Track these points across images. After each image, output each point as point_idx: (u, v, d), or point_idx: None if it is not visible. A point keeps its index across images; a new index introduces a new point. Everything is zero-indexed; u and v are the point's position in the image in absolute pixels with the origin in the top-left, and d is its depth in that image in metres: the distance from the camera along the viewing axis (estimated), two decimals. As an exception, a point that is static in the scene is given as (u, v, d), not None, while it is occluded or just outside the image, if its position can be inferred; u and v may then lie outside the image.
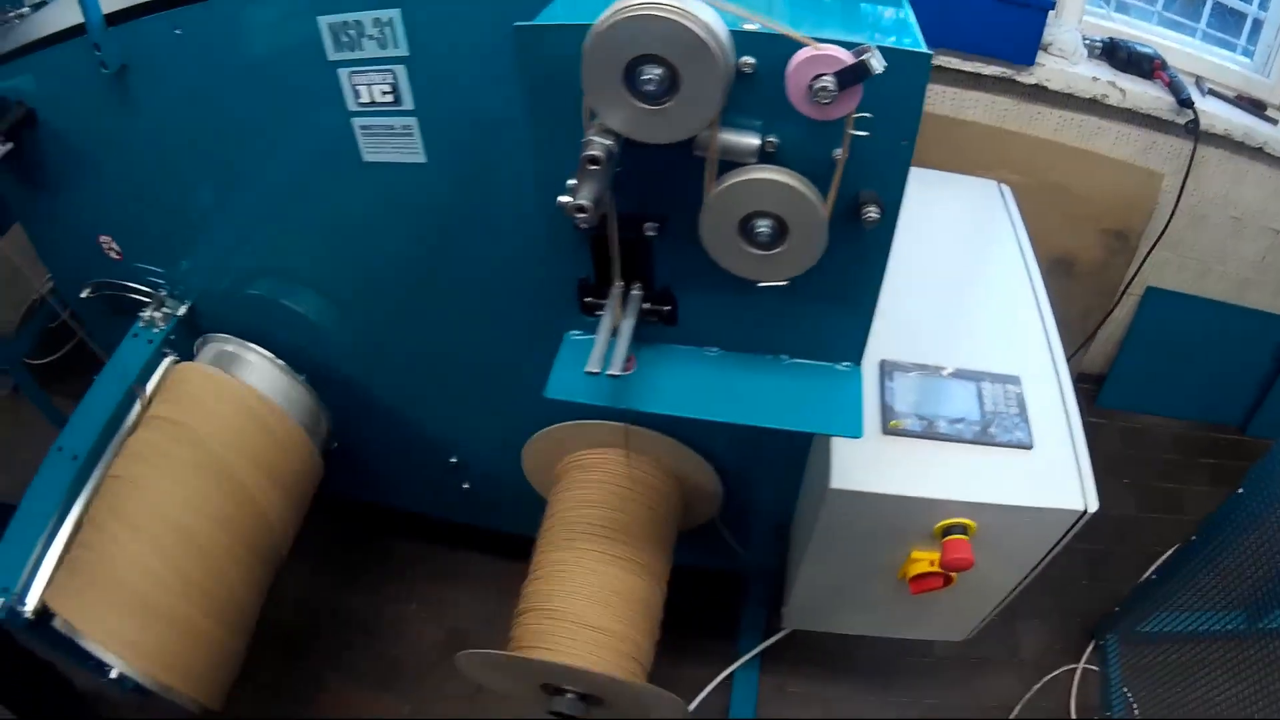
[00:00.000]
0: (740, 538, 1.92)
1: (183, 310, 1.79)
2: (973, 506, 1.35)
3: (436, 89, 1.25)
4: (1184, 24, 2.44)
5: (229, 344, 1.80)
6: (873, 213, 0.90)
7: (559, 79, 0.87)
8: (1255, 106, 2.30)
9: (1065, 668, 2.23)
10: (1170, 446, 2.86)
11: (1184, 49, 2.39)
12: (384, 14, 1.18)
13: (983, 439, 1.40)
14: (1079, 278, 2.60)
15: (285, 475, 1.74)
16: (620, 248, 1.02)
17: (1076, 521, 1.35)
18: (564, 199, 0.83)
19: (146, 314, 1.77)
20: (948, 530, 1.39)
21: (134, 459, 1.60)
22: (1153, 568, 2.07)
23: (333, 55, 1.25)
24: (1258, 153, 2.32)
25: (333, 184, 1.45)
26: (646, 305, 1.10)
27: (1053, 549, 1.42)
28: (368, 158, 1.36)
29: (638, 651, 1.56)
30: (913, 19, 0.92)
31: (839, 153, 0.87)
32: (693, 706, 2.09)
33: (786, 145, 0.89)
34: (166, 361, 1.74)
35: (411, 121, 1.29)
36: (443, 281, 1.57)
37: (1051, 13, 2.21)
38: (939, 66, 2.24)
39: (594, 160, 0.81)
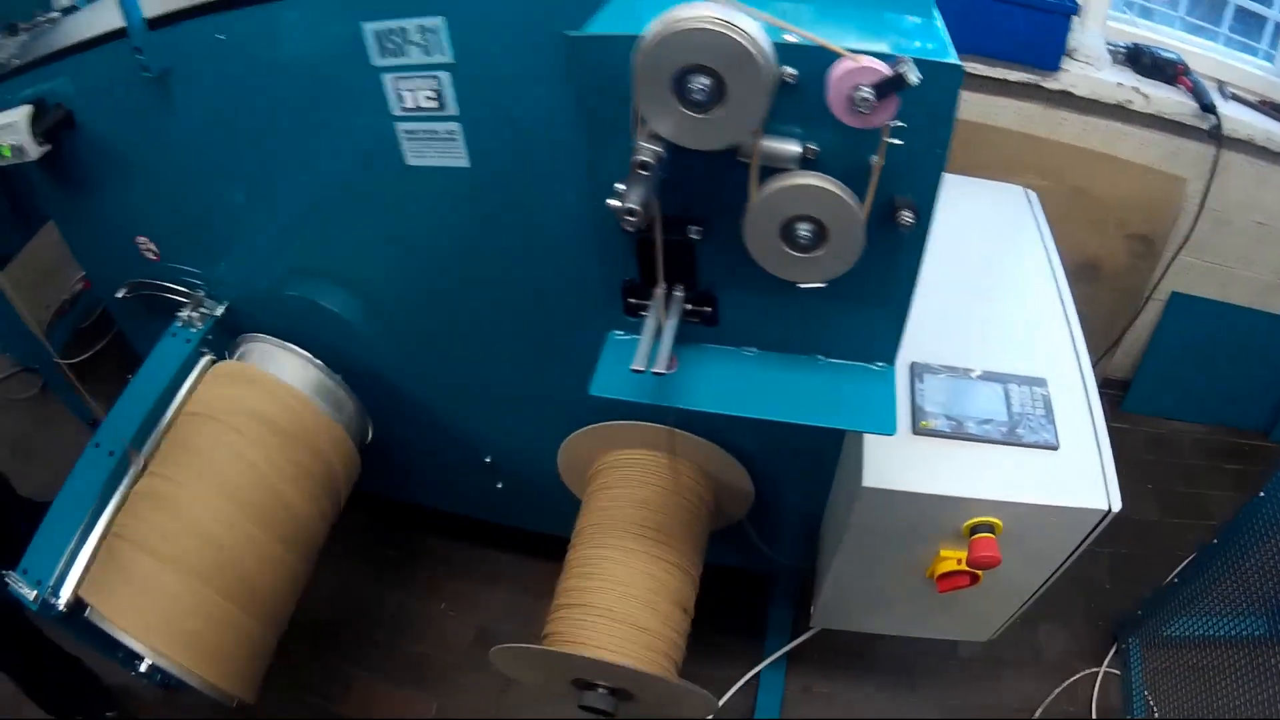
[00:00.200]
0: (769, 538, 1.94)
1: (220, 310, 1.82)
2: (1000, 505, 1.37)
3: (480, 94, 1.27)
4: (1207, 28, 2.45)
5: (266, 343, 1.82)
6: (908, 217, 0.93)
7: (609, 87, 0.91)
8: (1278, 111, 2.31)
9: (1087, 671, 2.24)
10: (1194, 451, 2.86)
11: (1207, 54, 2.40)
12: (429, 21, 1.21)
13: (1010, 439, 1.42)
14: (1104, 282, 2.61)
15: (322, 472, 1.77)
16: (665, 250, 1.05)
17: (1100, 521, 1.37)
18: (613, 202, 0.86)
19: (184, 314, 1.80)
20: (975, 529, 1.41)
21: (170, 455, 1.63)
22: (1175, 572, 2.08)
23: (377, 61, 1.27)
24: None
25: (375, 187, 1.48)
26: (688, 306, 1.13)
27: (1077, 548, 1.44)
28: (411, 161, 1.38)
29: (670, 648, 1.59)
30: (945, 31, 0.94)
31: (876, 159, 0.90)
32: (719, 705, 2.12)
33: (826, 152, 0.92)
34: (204, 360, 1.77)
35: (455, 126, 1.31)
36: (482, 284, 1.59)
37: (1076, 19, 2.23)
38: (966, 73, 2.25)
39: (644, 166, 0.84)
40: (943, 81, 0.85)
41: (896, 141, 0.88)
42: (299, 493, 1.71)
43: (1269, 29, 2.37)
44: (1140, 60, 2.31)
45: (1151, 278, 2.61)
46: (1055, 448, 1.42)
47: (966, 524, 1.41)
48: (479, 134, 1.32)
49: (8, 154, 1.55)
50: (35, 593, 1.45)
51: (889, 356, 1.17)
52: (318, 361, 1.83)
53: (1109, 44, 2.33)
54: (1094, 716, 2.17)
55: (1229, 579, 1.87)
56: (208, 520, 1.57)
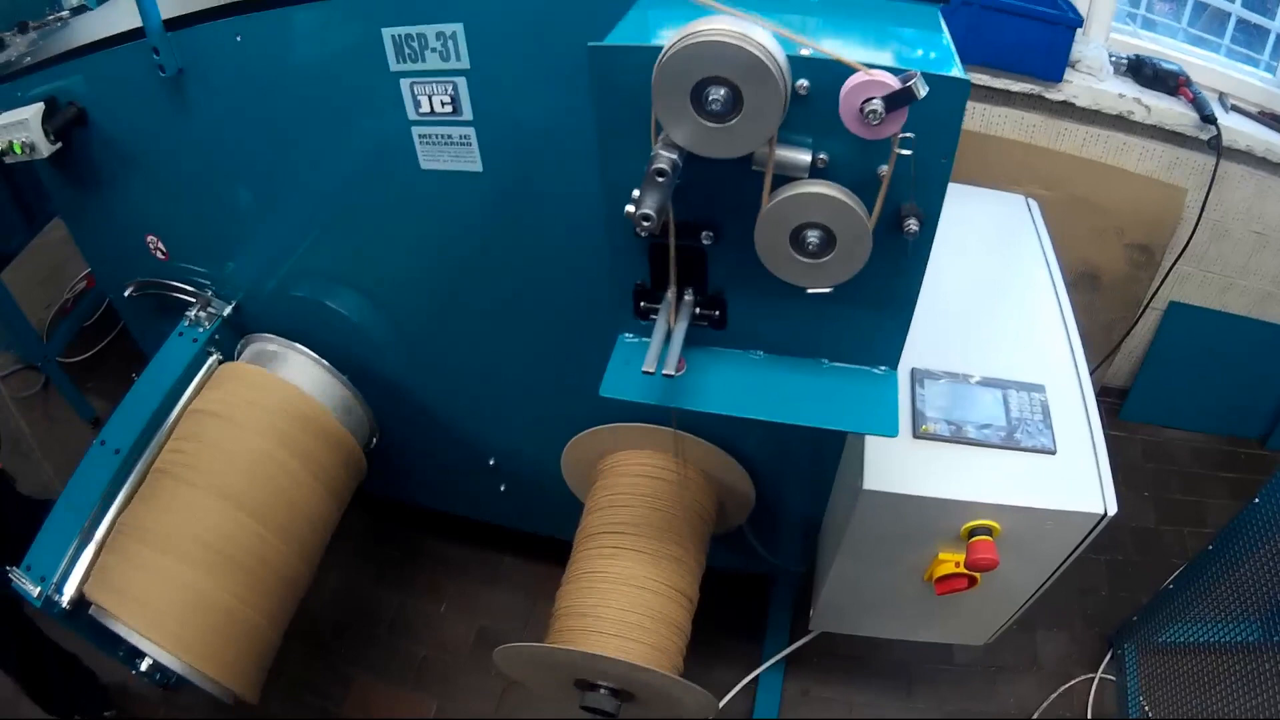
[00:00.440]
0: (769, 542, 1.96)
1: (228, 310, 1.84)
2: (998, 509, 1.40)
3: (495, 100, 1.30)
4: (1209, 40, 2.47)
5: (273, 343, 1.84)
6: (913, 224, 0.96)
7: (627, 96, 0.93)
8: (1277, 122, 2.33)
9: (1083, 676, 2.26)
10: (1191, 460, 2.88)
11: (1208, 65, 2.43)
12: (447, 28, 1.23)
13: (1008, 444, 1.45)
14: (1104, 291, 2.64)
15: (327, 471, 1.78)
16: (676, 255, 1.08)
17: (1097, 525, 1.40)
18: (630, 208, 0.89)
19: (192, 313, 1.81)
20: (973, 532, 1.43)
21: (177, 453, 1.64)
22: (1171, 578, 2.10)
23: (395, 66, 1.30)
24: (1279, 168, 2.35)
25: (388, 190, 1.50)
26: (697, 310, 1.15)
27: (1073, 552, 1.47)
28: (425, 165, 1.41)
29: (671, 649, 1.61)
30: (951, 45, 0.97)
31: (884, 169, 0.93)
32: (719, 707, 2.13)
33: (836, 161, 0.95)
34: (211, 360, 1.79)
35: (469, 131, 1.34)
36: (492, 287, 1.61)
37: (1079, 30, 2.25)
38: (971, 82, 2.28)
39: (661, 173, 0.87)
40: (949, 95, 0.87)
41: (906, 152, 0.90)
42: (304, 492, 1.72)
43: (1270, 40, 2.40)
44: (1142, 71, 2.34)
45: (1150, 287, 2.64)
46: (1053, 452, 1.44)
47: (965, 527, 1.43)
48: (493, 139, 1.35)
49: (19, 151, 1.56)
50: (39, 589, 1.46)
51: (892, 361, 1.19)
52: (324, 362, 1.84)
53: (1111, 55, 2.35)
54: (1089, 720, 2.19)
55: (1224, 585, 1.88)
56: (213, 518, 1.58)
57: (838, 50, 0.86)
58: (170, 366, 1.74)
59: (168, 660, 1.48)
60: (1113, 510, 1.37)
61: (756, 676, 2.19)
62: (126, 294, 1.92)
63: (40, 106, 1.55)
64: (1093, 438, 1.48)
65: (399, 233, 1.59)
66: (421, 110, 1.34)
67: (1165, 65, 2.33)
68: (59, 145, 1.59)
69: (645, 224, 0.87)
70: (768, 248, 1.00)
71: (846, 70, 0.85)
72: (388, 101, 1.34)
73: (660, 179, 0.87)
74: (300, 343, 1.84)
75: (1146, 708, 2.08)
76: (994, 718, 2.20)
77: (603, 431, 1.73)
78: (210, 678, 1.52)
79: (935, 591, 1.53)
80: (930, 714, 2.21)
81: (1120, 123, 2.35)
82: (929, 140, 0.91)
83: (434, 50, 1.26)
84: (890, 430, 1.14)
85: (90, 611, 1.49)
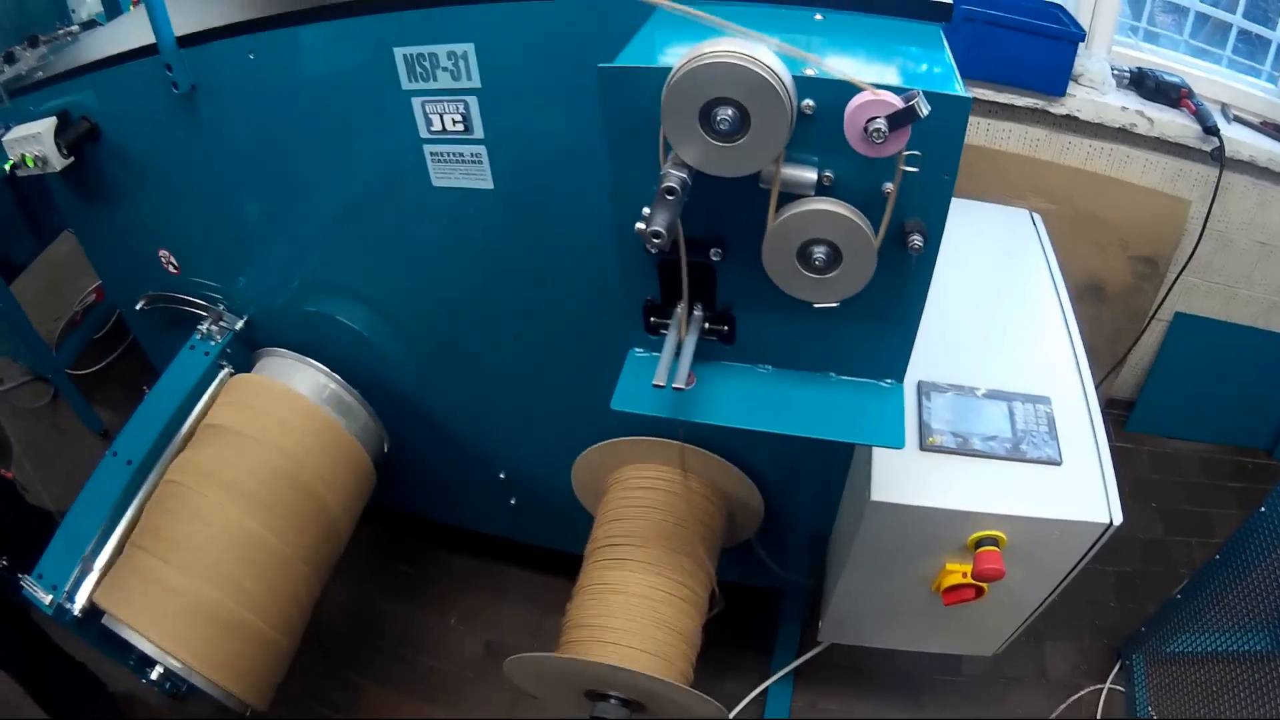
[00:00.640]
0: (777, 555, 1.97)
1: (240, 324, 1.86)
2: (1004, 519, 1.41)
3: (506, 119, 1.32)
4: (1211, 51, 2.49)
5: (285, 357, 1.86)
6: (917, 240, 0.97)
7: (637, 115, 0.95)
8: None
9: (1091, 687, 2.25)
10: (1198, 470, 2.88)
11: (1210, 77, 2.44)
12: (458, 47, 1.25)
13: (1014, 455, 1.46)
14: (1109, 303, 2.64)
15: (338, 484, 1.79)
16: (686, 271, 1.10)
17: (1102, 534, 1.40)
18: (641, 225, 0.90)
19: (204, 327, 1.83)
20: (980, 542, 1.44)
21: (189, 465, 1.66)
22: (1179, 588, 2.10)
23: (407, 85, 1.32)
24: (1282, 178, 2.36)
25: (400, 207, 1.52)
26: (707, 325, 1.17)
27: (1079, 562, 1.47)
28: (437, 182, 1.43)
29: (680, 659, 1.62)
30: (952, 62, 0.99)
31: (889, 186, 0.95)
32: (729, 718, 2.13)
33: (841, 178, 0.97)
34: (223, 373, 1.80)
35: (481, 149, 1.36)
36: (503, 303, 1.63)
37: (1082, 44, 2.26)
38: (973, 99, 2.29)
39: (670, 191, 0.89)
40: (952, 112, 0.89)
41: (912, 169, 0.92)
42: (316, 504, 1.73)
43: (1272, 51, 2.41)
44: (1144, 84, 2.35)
45: (1155, 298, 2.64)
46: (1058, 463, 1.45)
47: (971, 537, 1.44)
48: (504, 157, 1.37)
49: (32, 164, 1.58)
50: (51, 597, 1.47)
51: (898, 374, 1.21)
52: (336, 376, 1.86)
53: (1114, 68, 2.36)
54: (1098, 732, 2.19)
55: (1232, 594, 1.88)
56: (224, 529, 1.59)
57: (842, 70, 0.88)
58: (182, 379, 1.76)
59: (180, 668, 1.49)
60: (1118, 520, 1.38)
61: (766, 689, 2.19)
62: (138, 307, 1.94)
63: (53, 121, 1.58)
64: (1098, 449, 1.48)
65: (410, 249, 1.61)
66: (433, 128, 1.36)
67: (1167, 77, 2.34)
68: (71, 159, 1.61)
69: (655, 241, 0.89)
70: (775, 264, 1.02)
71: (851, 90, 0.87)
72: (399, 120, 1.36)
73: (670, 197, 0.89)
74: (312, 357, 1.85)
75: (1155, 718, 2.08)
76: (1004, 727, 2.19)
77: (613, 445, 1.74)
78: (222, 686, 1.53)
79: (943, 602, 1.53)
80: (939, 726, 2.20)
81: (1123, 135, 2.36)
82: (932, 157, 0.93)
83: (445, 70, 1.28)
84: (896, 442, 1.15)
85: (103, 620, 1.51)
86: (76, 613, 1.49)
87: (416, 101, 1.34)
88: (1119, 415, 2.96)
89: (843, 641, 1.94)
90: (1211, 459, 2.92)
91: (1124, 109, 2.30)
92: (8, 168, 1.61)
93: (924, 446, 1.47)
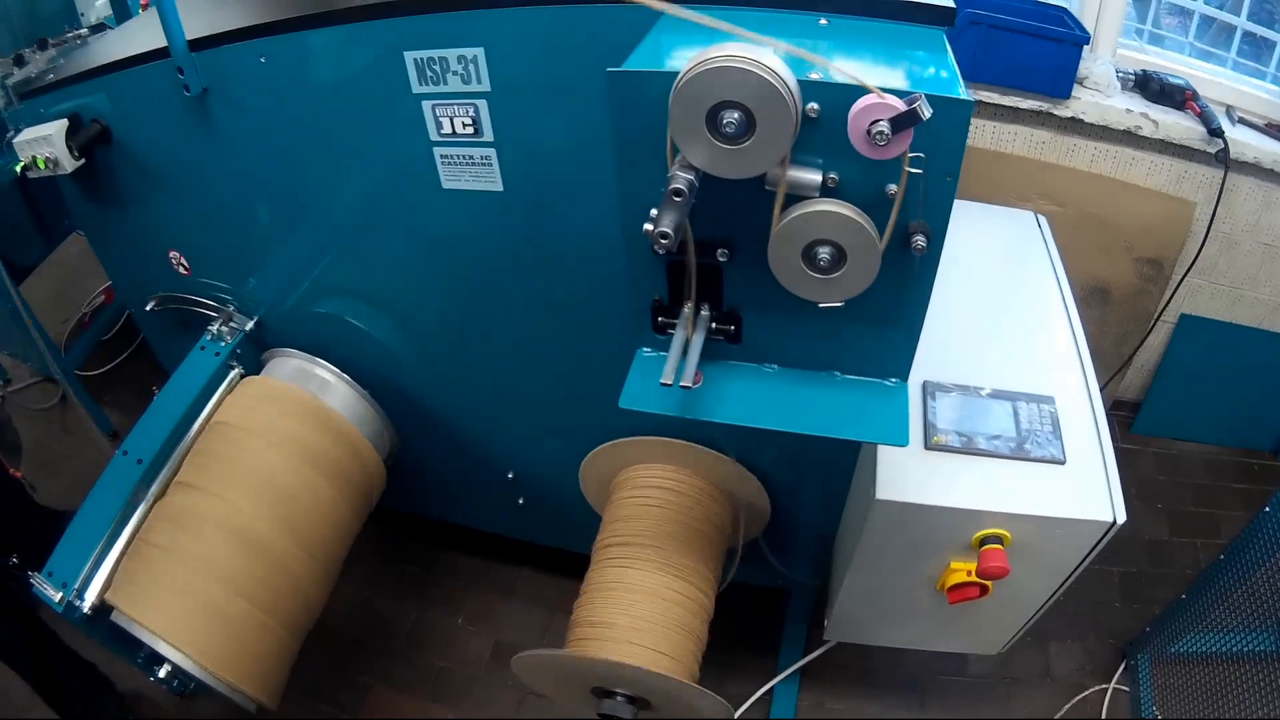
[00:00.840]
0: (783, 555, 1.97)
1: (250, 325, 1.87)
2: (1008, 517, 1.42)
3: (516, 122, 1.33)
4: (1215, 54, 2.49)
5: (295, 358, 1.87)
6: (921, 241, 0.99)
7: (645, 119, 0.97)
8: (1284, 134, 2.34)
9: (1096, 688, 2.25)
10: (1204, 471, 2.88)
11: (1215, 79, 2.44)
12: (468, 51, 1.27)
13: (1018, 454, 1.47)
14: (1114, 305, 2.65)
15: (348, 485, 1.81)
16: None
17: (1106, 533, 1.41)
18: (648, 226, 0.92)
19: (214, 327, 1.84)
20: (984, 540, 1.45)
21: (199, 464, 1.67)
22: (1184, 589, 2.10)
23: (417, 88, 1.33)
24: (1287, 180, 2.36)
25: (410, 209, 1.53)
26: (713, 325, 1.19)
27: (1083, 560, 1.48)
28: (447, 185, 1.44)
29: (687, 657, 1.63)
30: (955, 65, 1.00)
31: (893, 188, 0.96)
32: (735, 716, 2.14)
33: (845, 180, 0.98)
34: (233, 373, 1.82)
35: (490, 152, 1.37)
36: (512, 304, 1.64)
37: (1087, 47, 2.27)
38: (979, 101, 2.30)
39: (678, 193, 0.91)
40: (954, 115, 0.91)
41: (916, 171, 0.94)
42: (325, 504, 1.75)
43: (1277, 53, 2.41)
44: (1149, 86, 2.36)
45: (1161, 300, 2.64)
46: (1062, 462, 1.46)
47: (976, 536, 1.45)
48: (513, 159, 1.38)
49: (43, 166, 1.60)
50: (60, 594, 1.48)
51: (902, 373, 1.22)
52: (346, 376, 1.87)
53: (1119, 71, 2.37)
54: (1103, 731, 2.19)
55: (1237, 595, 1.88)
56: (234, 527, 1.61)
57: (846, 74, 0.89)
58: (192, 379, 1.77)
59: (189, 666, 1.50)
60: (1121, 519, 1.39)
61: (772, 688, 2.20)
62: (148, 308, 1.95)
63: (64, 123, 1.59)
64: (1102, 448, 1.49)
65: (420, 250, 1.62)
66: (443, 131, 1.37)
67: (1172, 80, 2.35)
68: (82, 161, 1.62)
69: (663, 241, 0.90)
70: (781, 264, 1.04)
71: (855, 93, 0.89)
72: (410, 123, 1.37)
73: (677, 199, 0.91)
74: (322, 357, 1.87)
75: (1160, 718, 2.08)
76: (1009, 726, 2.20)
77: (620, 445, 1.76)
78: (233, 684, 1.54)
79: (948, 600, 1.54)
80: (944, 726, 2.21)
81: (1128, 138, 2.37)
82: (935, 159, 0.94)
83: (455, 73, 1.29)
84: (901, 440, 1.17)
85: (112, 617, 1.52)
86: (86, 610, 1.51)
87: (427, 105, 1.35)
88: (1125, 417, 2.96)
89: (848, 641, 1.95)
90: (1217, 460, 2.91)
91: (1129, 111, 2.31)
92: (18, 169, 1.63)
93: (929, 446, 1.48)
